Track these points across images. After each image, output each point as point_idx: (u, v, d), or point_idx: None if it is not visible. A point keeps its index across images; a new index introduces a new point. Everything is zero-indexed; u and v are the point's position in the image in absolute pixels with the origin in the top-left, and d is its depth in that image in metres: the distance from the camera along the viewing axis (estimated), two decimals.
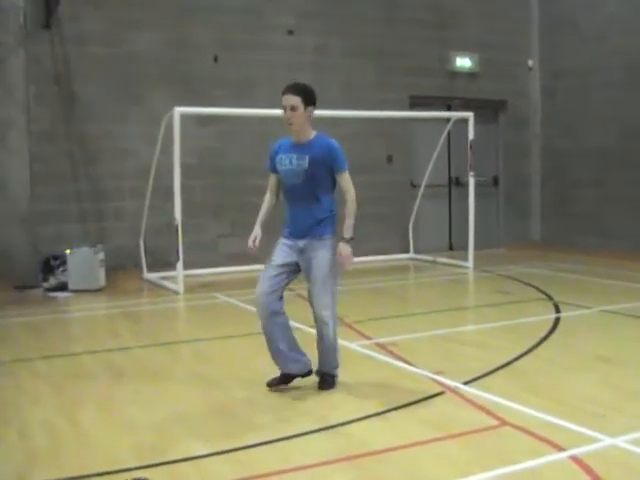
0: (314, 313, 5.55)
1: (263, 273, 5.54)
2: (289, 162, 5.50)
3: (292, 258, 5.50)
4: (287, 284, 5.55)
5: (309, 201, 5.47)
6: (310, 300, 5.54)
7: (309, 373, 5.70)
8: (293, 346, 5.59)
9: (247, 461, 4.28)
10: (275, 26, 12.80)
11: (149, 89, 11.86)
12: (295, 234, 5.53)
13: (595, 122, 13.90)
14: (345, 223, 5.47)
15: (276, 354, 5.56)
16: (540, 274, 11.65)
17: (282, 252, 5.54)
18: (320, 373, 5.71)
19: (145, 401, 5.51)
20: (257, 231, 5.67)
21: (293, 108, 5.39)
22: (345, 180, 5.50)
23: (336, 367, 5.73)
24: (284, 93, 5.44)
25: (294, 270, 5.53)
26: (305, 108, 5.41)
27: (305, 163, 5.41)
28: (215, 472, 4.14)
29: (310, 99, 5.45)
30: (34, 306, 9.68)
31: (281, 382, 5.65)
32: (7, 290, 10.54)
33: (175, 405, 5.38)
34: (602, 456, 4.22)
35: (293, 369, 5.62)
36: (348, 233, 5.46)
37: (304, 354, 5.67)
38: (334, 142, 5.50)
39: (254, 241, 5.62)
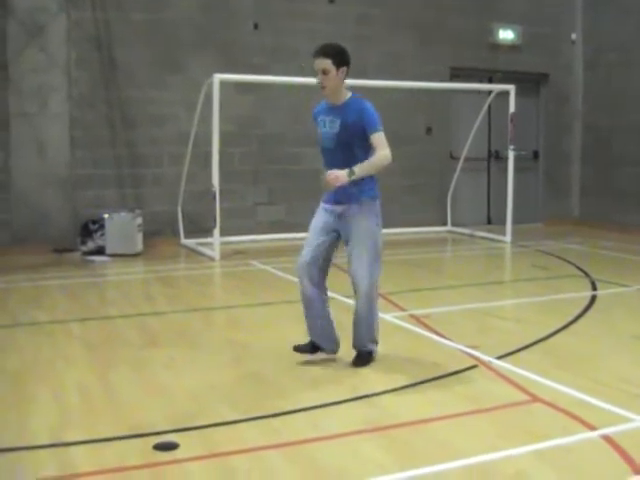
0: (352, 283, 5.40)
1: (306, 240, 5.43)
2: (324, 125, 5.35)
3: (331, 224, 5.34)
4: (330, 253, 5.41)
5: (344, 164, 5.15)
6: (348, 269, 5.39)
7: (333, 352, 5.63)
8: (327, 323, 5.50)
9: (277, 428, 4.31)
10: None
11: (189, 55, 11.84)
12: (333, 199, 5.35)
13: (638, 98, 13.64)
14: (365, 163, 5.16)
15: (311, 324, 5.51)
16: (578, 250, 11.54)
17: (322, 217, 5.40)
18: (355, 347, 5.56)
19: (178, 366, 5.55)
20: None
21: (325, 72, 5.18)
22: (377, 139, 5.18)
23: (372, 342, 5.54)
24: (315, 56, 5.22)
25: (335, 237, 5.37)
26: (337, 70, 5.19)
27: (337, 127, 5.23)
28: (245, 438, 4.17)
29: (342, 60, 5.23)
30: (71, 269, 9.79)
31: (307, 350, 5.56)
32: (46, 253, 10.70)
33: (207, 371, 5.42)
34: (634, 436, 4.18)
35: (323, 344, 5.56)
36: (357, 168, 5.10)
37: (337, 334, 5.58)
38: (367, 104, 5.25)
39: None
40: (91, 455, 3.97)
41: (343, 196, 5.27)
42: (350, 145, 5.23)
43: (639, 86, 13.62)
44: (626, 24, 13.83)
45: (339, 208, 5.32)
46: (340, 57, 5.22)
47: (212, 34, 11.97)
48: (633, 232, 13.02)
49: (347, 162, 5.17)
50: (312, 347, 5.58)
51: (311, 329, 5.54)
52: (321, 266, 5.36)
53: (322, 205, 5.45)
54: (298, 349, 5.57)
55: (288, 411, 4.54)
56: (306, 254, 5.35)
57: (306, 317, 5.52)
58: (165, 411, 4.58)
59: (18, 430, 4.30)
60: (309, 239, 5.39)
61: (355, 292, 5.41)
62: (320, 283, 5.40)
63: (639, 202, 13.63)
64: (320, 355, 5.59)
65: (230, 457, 3.93)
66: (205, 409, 4.62)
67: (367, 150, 5.27)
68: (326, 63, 5.17)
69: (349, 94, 5.34)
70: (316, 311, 5.44)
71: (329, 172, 5.12)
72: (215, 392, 4.95)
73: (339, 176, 5.07)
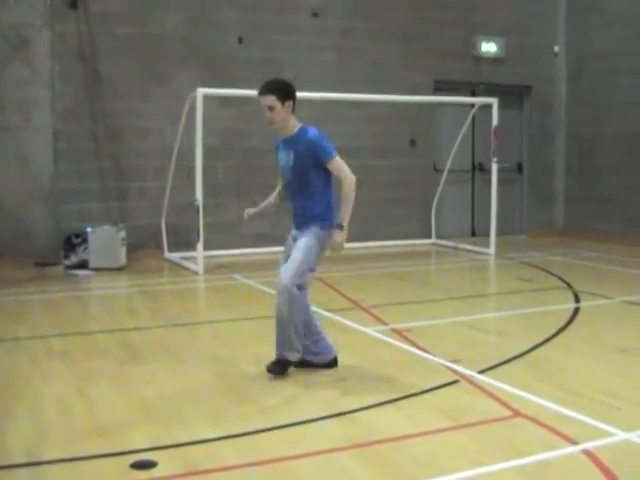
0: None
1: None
2: (282, 159, 5.55)
3: (290, 248, 5.55)
4: None
5: (303, 197, 5.45)
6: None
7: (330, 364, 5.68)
8: (310, 333, 5.58)
9: (257, 445, 4.28)
10: (300, 7, 12.71)
11: (173, 69, 11.83)
12: (294, 226, 5.61)
13: (621, 108, 13.71)
14: (342, 209, 5.36)
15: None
16: (561, 262, 11.56)
17: (287, 245, 5.61)
18: (276, 353, 5.57)
19: (158, 382, 5.52)
20: (252, 209, 5.95)
21: (271, 108, 5.36)
22: (336, 168, 5.38)
23: (291, 351, 5.50)
24: (260, 94, 5.41)
25: None
26: (283, 104, 5.36)
27: (291, 160, 5.42)
28: (225, 456, 4.14)
29: (286, 94, 5.38)
30: (54, 283, 9.74)
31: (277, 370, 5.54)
32: (28, 267, 10.63)
33: (188, 387, 5.39)
34: (615, 450, 4.18)
35: (306, 357, 5.65)
36: (342, 220, 5.35)
37: (316, 342, 5.64)
38: (314, 133, 5.39)
39: (247, 214, 5.94)
40: (68, 474, 3.93)
41: (300, 223, 5.53)
42: (305, 174, 5.40)
43: (622, 96, 13.70)
44: (608, 35, 13.93)
45: (295, 232, 5.57)
46: (284, 92, 5.38)
47: (197, 47, 11.96)
48: (617, 242, 13.07)
49: (305, 190, 5.42)
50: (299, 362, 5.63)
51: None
52: None
53: (290, 232, 5.68)
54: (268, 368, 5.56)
55: (268, 428, 4.51)
56: (278, 276, 5.45)
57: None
58: (144, 428, 4.55)
59: None
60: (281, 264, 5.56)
61: (276, 291, 5.44)
62: None
63: (623, 212, 13.70)
64: (301, 372, 5.57)
65: (209, 475, 3.90)
66: (185, 426, 4.58)
67: (323, 174, 5.42)
68: (271, 99, 5.35)
69: (298, 126, 5.49)
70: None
71: (335, 242, 5.35)
72: (195, 409, 4.91)
73: (340, 241, 5.34)
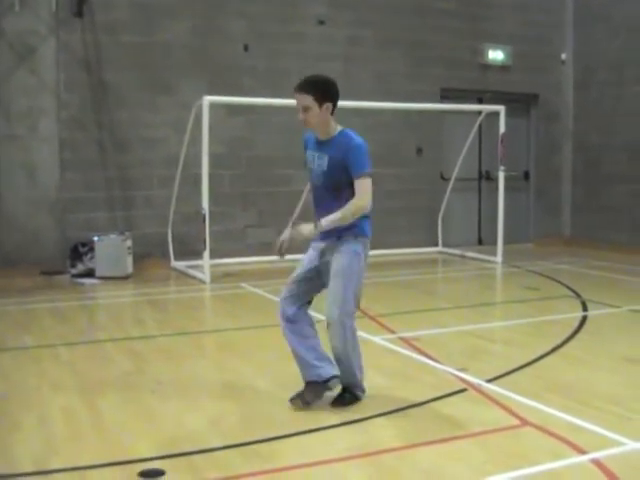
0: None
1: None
2: (312, 161, 4.99)
3: (313, 260, 5.04)
4: (309, 291, 5.07)
5: (331, 201, 4.85)
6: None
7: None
8: (314, 356, 5.01)
9: (264, 454, 4.26)
10: (306, 16, 12.74)
11: (179, 78, 11.85)
12: (319, 236, 4.95)
13: (628, 117, 13.69)
14: (334, 215, 4.78)
15: (296, 361, 5.11)
16: (569, 270, 11.53)
17: (308, 256, 5.10)
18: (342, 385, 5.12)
19: (165, 391, 5.50)
20: (286, 235, 5.06)
21: (306, 109, 4.79)
22: (359, 185, 4.77)
23: (354, 386, 5.09)
24: (295, 91, 4.81)
25: (314, 274, 5.03)
26: (320, 107, 4.79)
27: (324, 164, 4.87)
28: (232, 465, 4.12)
29: (325, 95, 4.80)
30: (61, 292, 9.74)
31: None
32: (35, 275, 10.64)
33: (195, 396, 5.37)
34: (625, 460, 4.15)
35: (311, 377, 5.05)
36: (324, 221, 4.78)
37: (327, 362, 5.03)
38: (357, 141, 4.83)
39: (281, 246, 5.07)
40: None
41: (327, 233, 4.91)
42: (338, 184, 4.86)
43: (629, 105, 13.68)
44: (616, 43, 13.91)
45: (322, 244, 5.01)
46: (322, 93, 4.80)
47: (202, 56, 11.98)
48: (624, 251, 13.02)
49: (335, 200, 4.86)
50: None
51: (298, 366, 5.15)
52: (294, 301, 5.03)
53: (312, 242, 5.12)
54: (292, 400, 5.07)
55: (275, 437, 4.49)
56: (284, 289, 5.10)
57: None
58: (151, 437, 4.53)
59: (1, 458, 4.24)
60: (293, 275, 5.10)
61: (327, 328, 4.95)
62: (291, 318, 5.01)
63: (630, 221, 13.66)
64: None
65: None
66: (192, 435, 4.57)
67: None
68: (307, 99, 4.78)
69: (339, 128, 4.95)
70: (296, 344, 5.04)
71: (296, 229, 4.87)
72: (202, 417, 4.89)
73: (303, 232, 4.83)
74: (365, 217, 4.96)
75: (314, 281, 5.06)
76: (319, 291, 5.13)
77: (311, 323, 5.11)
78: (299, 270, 5.08)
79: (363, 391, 5.16)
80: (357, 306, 5.02)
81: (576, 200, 15.02)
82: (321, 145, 4.96)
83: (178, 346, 6.97)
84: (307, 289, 5.06)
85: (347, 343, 4.93)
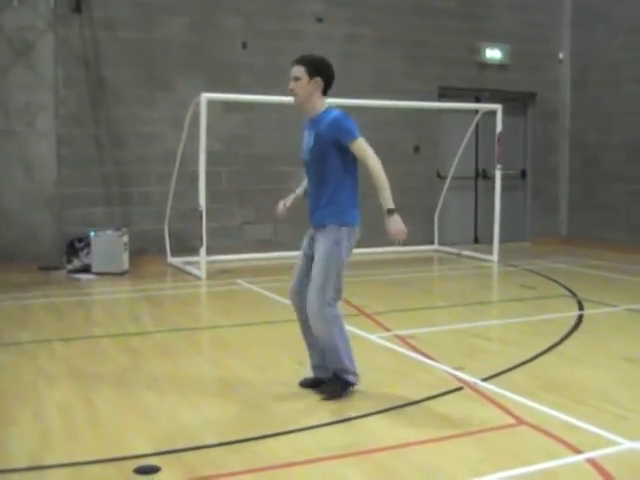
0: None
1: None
2: (304, 140, 5.21)
3: (306, 248, 5.21)
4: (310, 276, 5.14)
5: (317, 182, 5.08)
6: None
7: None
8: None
9: (259, 452, 4.25)
10: (304, 14, 12.73)
11: (177, 74, 11.84)
12: (310, 219, 5.18)
13: (626, 116, 13.70)
14: (380, 196, 4.95)
15: (308, 351, 5.34)
16: (565, 269, 11.53)
17: (305, 242, 5.24)
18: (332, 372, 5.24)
19: (161, 387, 5.50)
20: (288, 198, 5.48)
21: (296, 78, 5.04)
22: (358, 149, 4.95)
23: (348, 374, 5.16)
24: (292, 64, 5.11)
25: (311, 260, 5.15)
26: (310, 79, 5.03)
27: (311, 140, 5.06)
28: (227, 462, 4.11)
29: (317, 69, 5.04)
30: (57, 288, 9.73)
31: (310, 385, 5.31)
32: (31, 271, 10.65)
33: (190, 392, 5.37)
34: (620, 460, 4.14)
35: (319, 375, 5.31)
36: (386, 204, 4.95)
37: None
38: (337, 112, 5.05)
39: (283, 204, 5.45)
40: (71, 479, 3.91)
41: (316, 219, 5.14)
42: (324, 159, 5.02)
43: (626, 103, 13.69)
44: (613, 42, 13.92)
45: (312, 231, 5.18)
46: (314, 66, 5.06)
47: (200, 53, 11.97)
48: (621, 250, 13.04)
49: (320, 177, 5.05)
50: (313, 381, 5.34)
51: (309, 357, 5.35)
52: (302, 290, 5.15)
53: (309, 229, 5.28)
54: (303, 384, 5.34)
55: (270, 434, 4.48)
56: (291, 280, 5.26)
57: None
58: (147, 433, 4.53)
59: None
60: (297, 265, 5.28)
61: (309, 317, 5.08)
62: (304, 308, 5.13)
63: (627, 220, 13.67)
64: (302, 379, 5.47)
65: None
66: (187, 432, 4.56)
67: (342, 161, 5.01)
68: (299, 70, 5.05)
69: (326, 106, 5.15)
70: (309, 334, 5.21)
71: (391, 231, 5.01)
72: (197, 414, 4.89)
73: (397, 227, 5.02)
74: (352, 206, 5.10)
75: (310, 266, 5.14)
76: None
77: None
78: (301, 257, 5.26)
79: (355, 374, 5.19)
80: (339, 295, 5.11)
81: (573, 199, 15.03)
82: (311, 124, 5.17)
83: (174, 342, 6.96)
84: (309, 275, 5.14)
85: (330, 329, 5.00)
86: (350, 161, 5.05)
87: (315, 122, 5.11)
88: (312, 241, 5.17)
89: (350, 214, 5.11)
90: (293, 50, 12.31)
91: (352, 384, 5.20)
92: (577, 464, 4.08)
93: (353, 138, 4.96)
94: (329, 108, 5.14)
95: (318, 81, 5.07)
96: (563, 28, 14.96)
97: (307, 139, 5.16)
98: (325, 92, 5.16)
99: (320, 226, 5.08)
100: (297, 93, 5.10)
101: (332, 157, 5.01)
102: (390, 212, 4.97)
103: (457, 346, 6.79)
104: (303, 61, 5.09)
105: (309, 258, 5.18)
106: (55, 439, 4.45)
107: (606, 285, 10.29)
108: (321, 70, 5.08)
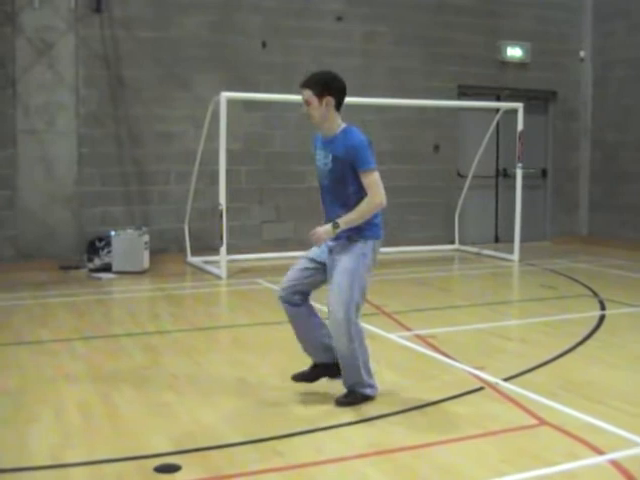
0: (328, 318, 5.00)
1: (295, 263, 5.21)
2: (318, 160, 5.05)
3: (319, 255, 5.05)
4: (311, 283, 5.08)
5: (339, 204, 4.93)
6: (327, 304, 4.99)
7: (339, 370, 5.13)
8: (323, 333, 5.13)
9: (280, 451, 4.25)
10: (324, 12, 12.71)
11: (196, 73, 11.86)
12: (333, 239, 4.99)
13: None
14: (350, 214, 4.84)
15: (303, 344, 5.25)
16: (586, 269, 11.46)
17: (316, 248, 5.09)
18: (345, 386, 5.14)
19: (180, 386, 5.51)
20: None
21: (307, 103, 4.91)
22: (369, 181, 4.82)
23: (364, 387, 5.07)
24: (300, 87, 4.98)
25: (322, 270, 5.03)
26: (320, 100, 4.88)
27: (329, 162, 4.92)
28: (247, 461, 4.11)
29: (325, 89, 4.88)
30: (77, 287, 9.77)
31: (307, 376, 5.27)
32: (52, 270, 10.69)
33: (210, 391, 5.37)
34: None
35: (324, 358, 5.17)
36: (341, 221, 4.82)
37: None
38: (354, 136, 4.90)
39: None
40: (91, 477, 3.94)
41: (340, 235, 4.94)
42: (343, 182, 4.91)
43: None
44: (634, 40, 13.80)
45: (331, 243, 4.98)
46: (321, 87, 4.89)
47: (220, 52, 11.98)
48: None
49: (343, 197, 4.93)
50: (313, 370, 5.28)
51: (306, 349, 5.28)
52: (297, 290, 5.06)
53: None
54: (296, 378, 5.29)
55: (291, 433, 4.48)
56: (286, 276, 5.12)
57: (297, 340, 5.29)
58: (167, 432, 4.54)
59: (18, 451, 4.26)
60: (297, 263, 5.16)
61: (331, 326, 5.01)
62: (292, 301, 5.06)
63: None
64: (313, 382, 5.33)
65: None
66: (207, 430, 4.57)
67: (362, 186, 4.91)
68: (307, 93, 4.91)
69: (342, 126, 4.99)
70: (302, 326, 5.15)
71: (312, 232, 4.89)
72: (217, 413, 4.90)
73: (321, 235, 4.86)
74: (376, 218, 4.99)
75: (318, 275, 5.06)
76: (318, 287, 5.13)
77: (310, 305, 5.16)
78: (306, 259, 5.12)
79: (373, 387, 5.12)
80: (360, 309, 5.02)
81: (594, 198, 14.93)
82: (326, 144, 5.01)
83: (194, 341, 6.97)
84: (309, 280, 5.07)
85: (353, 340, 4.91)
86: None
87: (332, 142, 4.96)
88: (330, 251, 5.01)
89: (375, 227, 5.02)
90: (312, 48, 12.46)
91: (371, 397, 5.10)
92: (599, 465, 4.05)
93: (367, 168, 4.85)
94: (347, 128, 4.99)
95: (329, 100, 4.91)
96: (584, 26, 14.86)
97: (322, 160, 5.02)
98: (339, 107, 5.00)
99: (343, 238, 4.94)
100: (312, 115, 4.96)
101: (352, 180, 4.90)
102: (335, 225, 4.83)
103: (478, 346, 6.76)
104: (309, 83, 4.94)
105: (318, 264, 5.06)
106: (76, 437, 4.48)
107: (627, 285, 10.21)
108: (329, 87, 4.94)
